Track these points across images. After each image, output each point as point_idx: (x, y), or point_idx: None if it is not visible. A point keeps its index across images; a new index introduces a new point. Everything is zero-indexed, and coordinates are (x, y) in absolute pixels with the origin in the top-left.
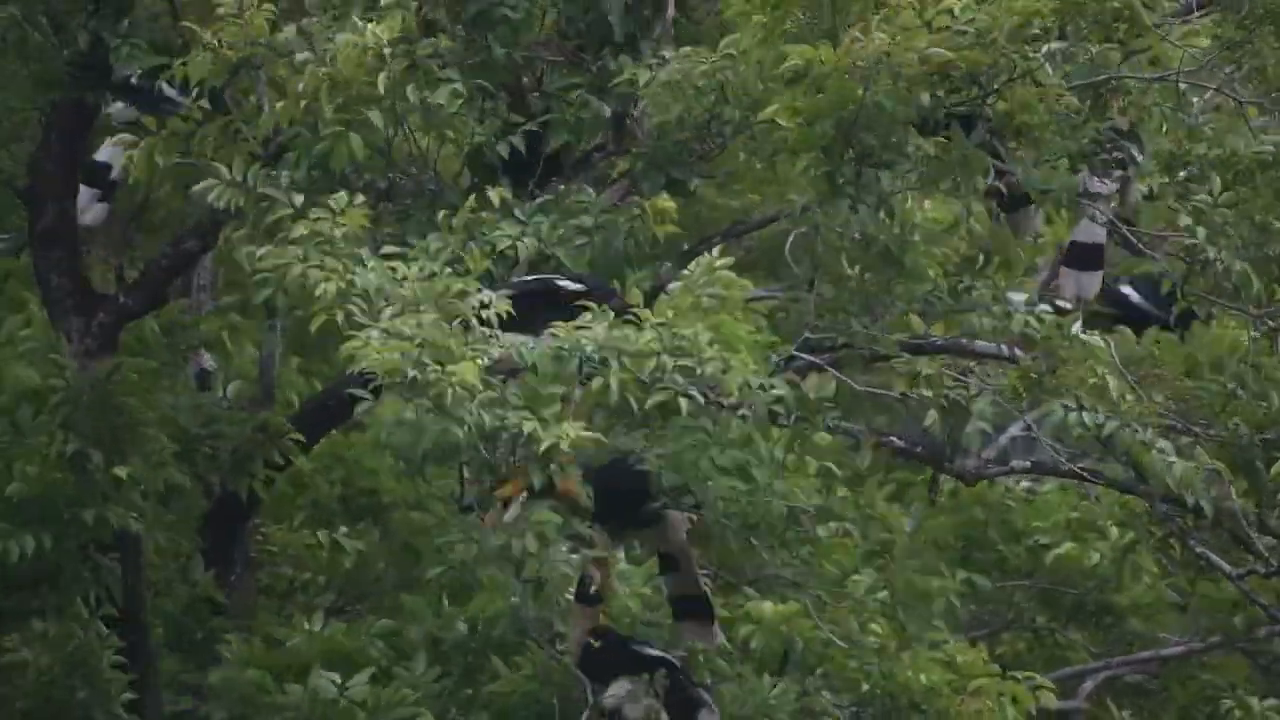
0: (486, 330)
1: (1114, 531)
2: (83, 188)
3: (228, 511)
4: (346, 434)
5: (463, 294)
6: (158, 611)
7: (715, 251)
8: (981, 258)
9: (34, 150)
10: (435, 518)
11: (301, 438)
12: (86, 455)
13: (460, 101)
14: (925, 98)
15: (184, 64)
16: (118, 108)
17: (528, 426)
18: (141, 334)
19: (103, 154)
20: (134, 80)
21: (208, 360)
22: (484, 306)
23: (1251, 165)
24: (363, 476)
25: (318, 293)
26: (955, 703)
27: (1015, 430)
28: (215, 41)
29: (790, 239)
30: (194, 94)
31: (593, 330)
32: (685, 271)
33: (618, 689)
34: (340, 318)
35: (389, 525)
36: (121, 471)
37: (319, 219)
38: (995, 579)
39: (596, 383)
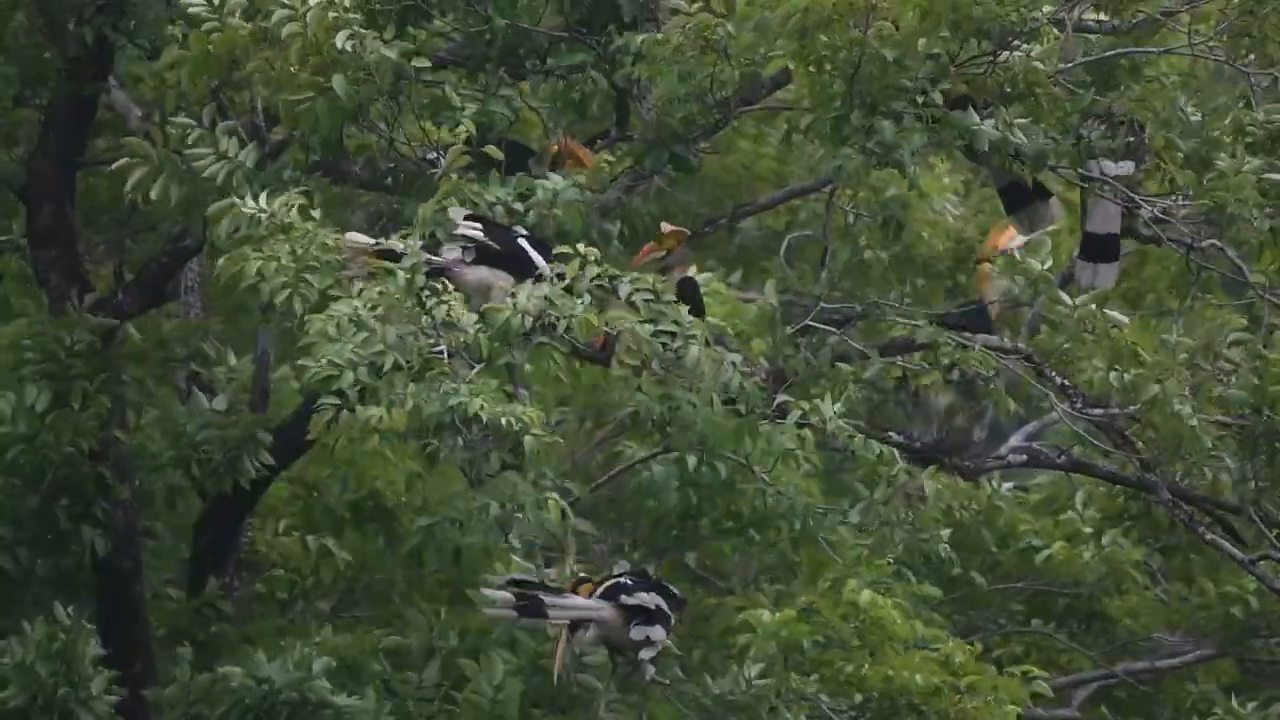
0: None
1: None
2: None
3: (223, 515)
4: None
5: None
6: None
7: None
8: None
9: (31, 149)
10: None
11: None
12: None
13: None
14: (922, 42)
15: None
16: (119, 98)
17: (474, 406)
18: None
19: None
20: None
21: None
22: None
23: (1262, 138)
24: (368, 481)
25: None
26: (952, 700)
27: (1016, 440)
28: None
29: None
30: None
31: (530, 297)
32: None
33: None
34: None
35: (395, 530)
36: (123, 490)
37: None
38: (989, 581)
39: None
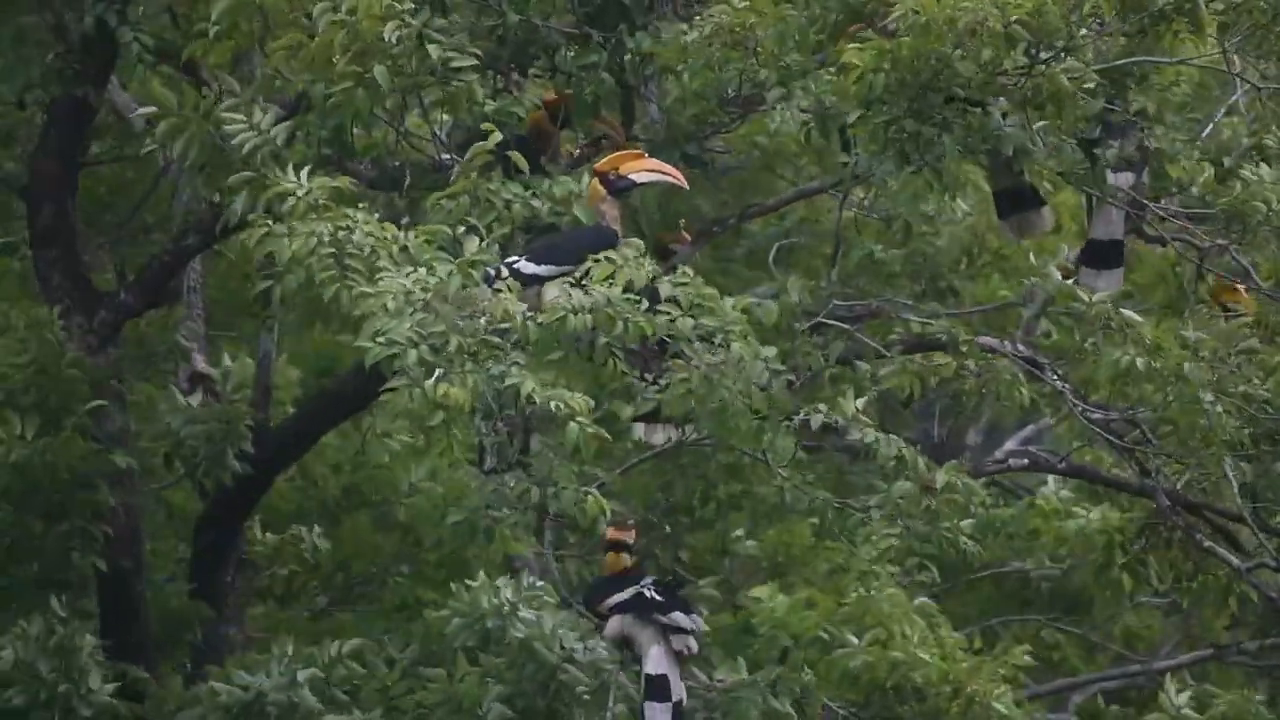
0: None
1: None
2: None
3: (224, 515)
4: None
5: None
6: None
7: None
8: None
9: (32, 148)
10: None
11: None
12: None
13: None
14: (987, 53)
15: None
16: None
17: (527, 387)
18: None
19: None
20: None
21: (201, 363)
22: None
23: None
24: (367, 469)
25: (288, 252)
26: (958, 680)
27: (1012, 443)
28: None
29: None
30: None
31: (594, 294)
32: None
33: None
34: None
35: (391, 516)
36: (120, 460)
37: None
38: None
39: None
